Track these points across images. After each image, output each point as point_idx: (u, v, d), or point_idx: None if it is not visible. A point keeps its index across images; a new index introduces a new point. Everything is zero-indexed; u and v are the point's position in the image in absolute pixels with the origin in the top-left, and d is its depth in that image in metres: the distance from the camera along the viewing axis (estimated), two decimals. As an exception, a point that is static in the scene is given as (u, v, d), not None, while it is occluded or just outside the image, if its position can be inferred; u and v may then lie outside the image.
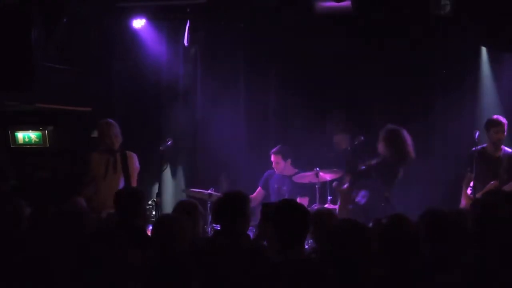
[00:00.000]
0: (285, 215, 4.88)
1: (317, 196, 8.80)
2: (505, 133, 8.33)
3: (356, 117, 10.05)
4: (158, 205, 8.41)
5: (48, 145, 9.72)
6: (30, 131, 9.79)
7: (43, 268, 4.80)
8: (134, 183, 8.21)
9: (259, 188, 9.57)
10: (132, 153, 8.39)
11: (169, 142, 8.61)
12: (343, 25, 9.65)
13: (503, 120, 8.34)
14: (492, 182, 8.17)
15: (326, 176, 8.89)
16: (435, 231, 4.39)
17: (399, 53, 9.77)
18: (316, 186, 8.85)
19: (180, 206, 6.10)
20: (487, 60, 9.62)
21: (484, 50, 9.56)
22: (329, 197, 8.72)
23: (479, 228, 4.58)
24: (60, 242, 5.04)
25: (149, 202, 8.37)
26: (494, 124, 8.35)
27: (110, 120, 8.41)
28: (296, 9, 9.28)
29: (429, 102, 9.90)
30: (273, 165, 9.40)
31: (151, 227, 6.10)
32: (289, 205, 5.03)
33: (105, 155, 8.29)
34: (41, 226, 5.53)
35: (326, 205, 8.53)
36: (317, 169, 8.85)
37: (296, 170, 9.36)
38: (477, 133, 8.17)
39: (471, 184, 8.35)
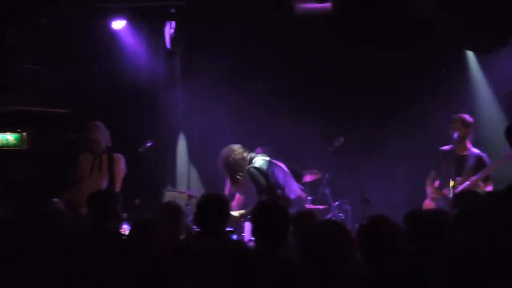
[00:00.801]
0: (265, 215, 4.91)
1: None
2: (461, 132, 8.30)
3: (340, 117, 10.07)
4: (138, 207, 8.40)
5: (26, 147, 9.66)
6: (8, 133, 9.72)
7: (15, 271, 4.76)
8: (118, 185, 8.21)
9: (238, 194, 9.49)
10: (119, 155, 8.39)
11: (149, 144, 8.59)
12: (327, 26, 9.68)
13: (458, 116, 8.33)
14: (458, 178, 8.20)
15: (306, 177, 8.88)
16: (419, 231, 4.41)
17: (383, 54, 9.82)
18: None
19: (163, 209, 6.10)
20: (471, 60, 9.66)
21: (467, 51, 9.59)
22: (309, 198, 8.70)
23: (459, 227, 4.60)
24: (33, 244, 5.01)
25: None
26: (451, 120, 8.41)
27: (96, 123, 8.42)
28: (279, 10, 9.28)
29: (413, 102, 9.93)
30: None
31: (127, 228, 6.09)
32: (268, 205, 5.05)
33: (92, 156, 8.31)
34: (14, 229, 5.50)
35: (306, 205, 8.52)
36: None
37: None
38: (456, 134, 8.18)
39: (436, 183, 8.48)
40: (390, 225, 4.39)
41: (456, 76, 9.75)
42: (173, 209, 6.03)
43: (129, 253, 4.79)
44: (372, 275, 4.15)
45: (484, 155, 8.28)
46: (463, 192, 7.64)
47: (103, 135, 8.35)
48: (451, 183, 8.04)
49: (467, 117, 8.29)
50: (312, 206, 8.52)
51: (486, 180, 8.05)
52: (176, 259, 4.85)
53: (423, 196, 9.03)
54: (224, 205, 5.53)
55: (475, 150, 8.28)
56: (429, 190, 8.54)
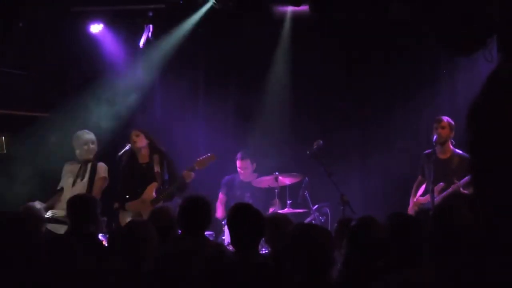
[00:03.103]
0: (238, 218, 4.97)
1: (276, 200, 8.80)
2: (446, 131, 8.24)
3: (319, 120, 10.08)
4: (118, 211, 8.41)
5: (5, 151, 9.61)
6: (-13, 137, 9.67)
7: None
8: (95, 193, 8.21)
9: (221, 195, 9.49)
10: (101, 164, 8.53)
11: (128, 148, 8.57)
12: (302, 28, 9.71)
13: (445, 118, 8.31)
14: (441, 183, 8.16)
15: (286, 180, 8.87)
16: (401, 233, 4.44)
17: (363, 56, 9.85)
18: (276, 190, 8.83)
19: (156, 212, 6.14)
20: (447, 62, 9.65)
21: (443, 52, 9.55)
22: (288, 201, 8.71)
23: (437, 231, 4.62)
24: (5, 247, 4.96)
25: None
26: (434, 121, 8.37)
27: (84, 131, 8.55)
28: (255, 13, 9.30)
29: (392, 105, 9.93)
30: (240, 170, 9.32)
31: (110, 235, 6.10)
32: (242, 209, 5.09)
33: (76, 165, 8.50)
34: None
35: (286, 209, 8.52)
36: (276, 173, 8.84)
37: (256, 175, 9.34)
38: (436, 136, 8.18)
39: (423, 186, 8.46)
40: (378, 226, 4.42)
41: (436, 79, 9.78)
42: (165, 213, 6.06)
43: (118, 253, 4.79)
44: (360, 275, 4.18)
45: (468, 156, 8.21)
46: (445, 197, 7.69)
47: (88, 142, 8.44)
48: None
49: (450, 119, 8.29)
50: (291, 210, 8.51)
51: (468, 186, 7.96)
52: (158, 260, 4.86)
53: (402, 198, 9.08)
54: (206, 207, 5.56)
55: (459, 151, 8.24)
56: (411, 202, 8.52)
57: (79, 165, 8.46)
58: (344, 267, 4.29)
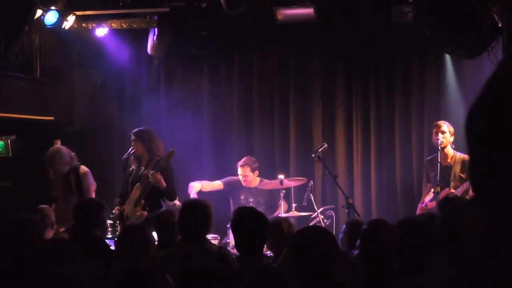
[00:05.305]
0: (242, 222, 4.94)
1: (282, 203, 8.78)
2: (445, 136, 8.11)
3: (320, 123, 10.08)
4: (122, 215, 8.38)
5: (11, 154, 9.62)
6: (-7, 140, 9.69)
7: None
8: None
9: (220, 181, 9.42)
10: (85, 170, 8.38)
11: (132, 151, 8.54)
12: (305, 31, 9.71)
13: (443, 123, 8.23)
14: (446, 189, 8.12)
15: (291, 183, 8.85)
16: (413, 238, 4.43)
17: (365, 59, 9.86)
18: (281, 193, 8.81)
19: (161, 216, 6.15)
20: (450, 65, 9.61)
21: (446, 55, 9.53)
22: (293, 204, 8.69)
23: (443, 234, 4.61)
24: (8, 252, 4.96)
25: (113, 211, 8.33)
26: (433, 126, 8.34)
27: (53, 149, 8.45)
28: (259, 16, 9.30)
29: (395, 108, 9.92)
30: (242, 178, 9.29)
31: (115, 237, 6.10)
32: (246, 213, 5.08)
33: (60, 178, 8.34)
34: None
35: (291, 212, 8.50)
36: (281, 176, 8.81)
37: (259, 179, 9.32)
38: (439, 140, 8.13)
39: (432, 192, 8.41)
40: (389, 229, 4.41)
41: (439, 81, 9.75)
42: (168, 217, 6.07)
43: (118, 254, 4.78)
44: (372, 279, 4.17)
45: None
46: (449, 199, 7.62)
47: (60, 158, 8.32)
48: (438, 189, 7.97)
49: (449, 124, 8.24)
50: (297, 213, 8.50)
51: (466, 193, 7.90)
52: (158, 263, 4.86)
53: (407, 202, 9.06)
54: (205, 211, 5.55)
55: (461, 154, 8.17)
56: (418, 208, 8.48)
57: (63, 178, 8.31)
58: (354, 271, 4.28)
